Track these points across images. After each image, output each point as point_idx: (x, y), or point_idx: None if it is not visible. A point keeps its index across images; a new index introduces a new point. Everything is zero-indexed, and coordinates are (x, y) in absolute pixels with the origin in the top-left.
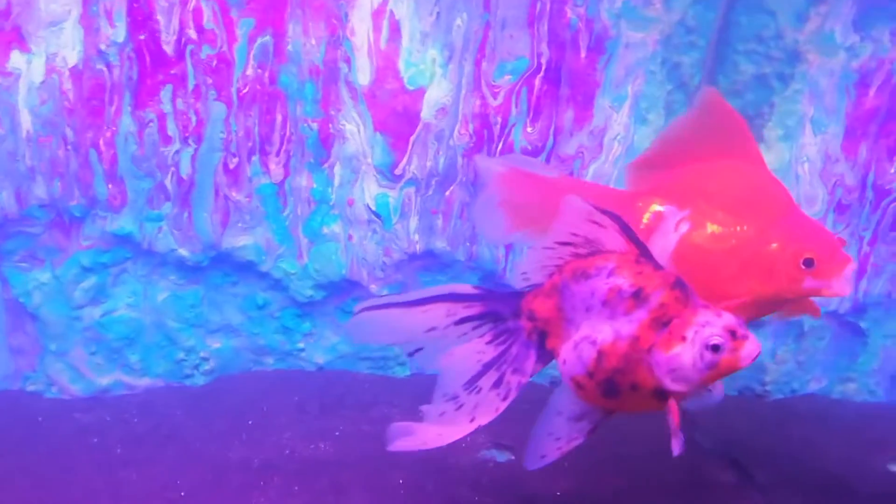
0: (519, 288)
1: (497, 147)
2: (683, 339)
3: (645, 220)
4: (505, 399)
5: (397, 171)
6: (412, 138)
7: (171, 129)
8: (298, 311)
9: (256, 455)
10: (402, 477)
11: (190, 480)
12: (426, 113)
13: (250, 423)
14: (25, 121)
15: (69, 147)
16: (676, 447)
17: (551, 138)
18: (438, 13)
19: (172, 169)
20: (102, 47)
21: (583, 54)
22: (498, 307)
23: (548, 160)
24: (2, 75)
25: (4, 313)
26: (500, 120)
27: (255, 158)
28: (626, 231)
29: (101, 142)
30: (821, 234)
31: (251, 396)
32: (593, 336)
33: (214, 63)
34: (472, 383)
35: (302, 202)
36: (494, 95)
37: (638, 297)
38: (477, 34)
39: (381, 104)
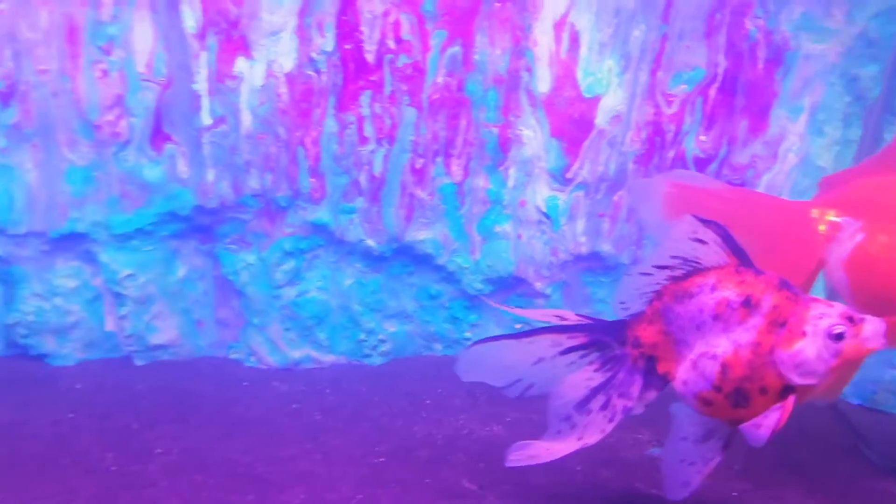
0: (620, 317)
1: (669, 154)
2: (804, 334)
3: (821, 230)
4: (611, 421)
5: (569, 175)
6: (585, 144)
7: (368, 130)
8: (467, 303)
9: (438, 432)
10: (579, 465)
11: (384, 450)
12: (600, 120)
13: (427, 402)
14: (246, 120)
15: (281, 144)
16: (764, 435)
17: (724, 147)
18: (617, 24)
19: (366, 167)
20: (313, 55)
21: (760, 65)
22: (602, 336)
23: (720, 169)
24: (229, 79)
25: (214, 289)
26: (673, 128)
27: (439, 160)
28: (729, 242)
29: (308, 140)
30: None
31: (425, 379)
32: (712, 351)
33: (409, 71)
34: (582, 406)
35: (478, 202)
36: (669, 104)
37: (748, 304)
38: (654, 45)
39: (558, 111)
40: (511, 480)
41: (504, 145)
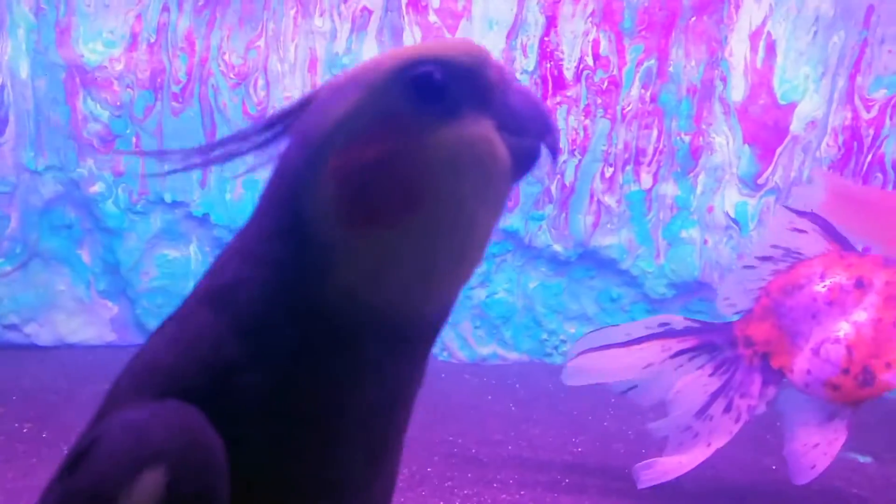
0: (726, 314)
1: (866, 158)
2: None
3: None
4: (738, 422)
5: (760, 181)
6: (779, 150)
7: (563, 142)
8: (648, 307)
9: (629, 428)
10: (774, 464)
11: (581, 442)
12: (796, 126)
13: (612, 401)
14: None
15: None
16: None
17: None
18: (816, 32)
19: (558, 177)
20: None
21: None
22: (712, 338)
23: None
24: None
25: None
26: (871, 132)
27: (628, 168)
28: (828, 230)
29: None
30: None
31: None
32: (833, 336)
33: (605, 85)
34: (702, 412)
35: (665, 208)
36: (868, 109)
37: (861, 284)
38: (853, 50)
39: (752, 118)
40: (707, 474)
41: (695, 153)
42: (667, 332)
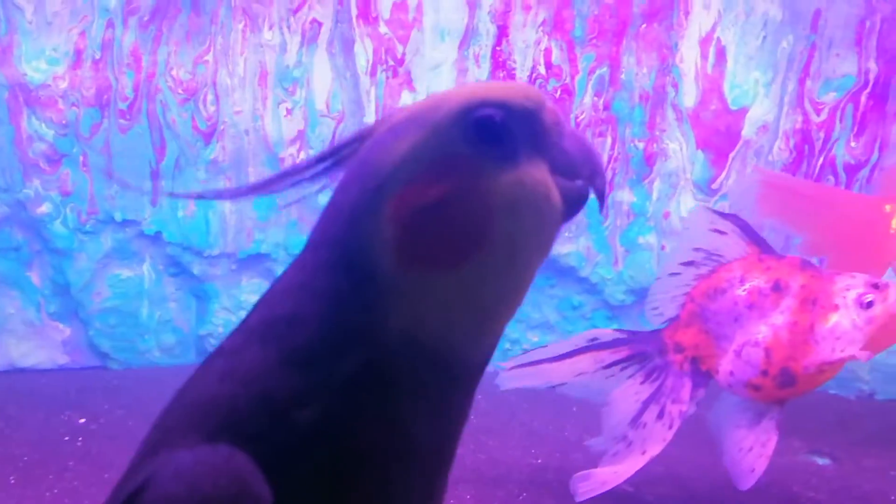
0: (654, 324)
1: (818, 161)
2: (836, 307)
3: (894, 225)
4: (671, 428)
5: (714, 186)
6: (732, 155)
7: None
8: (609, 314)
9: (590, 436)
10: None
11: (540, 453)
12: (747, 131)
13: (574, 410)
14: None
15: None
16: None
17: (876, 152)
18: (765, 37)
19: None
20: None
21: None
22: (642, 347)
23: (871, 174)
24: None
25: None
26: (822, 135)
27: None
28: (748, 231)
29: None
30: None
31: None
32: (753, 338)
33: (558, 94)
34: (636, 421)
35: (622, 214)
36: (818, 112)
37: (778, 288)
38: (802, 54)
39: (704, 124)
40: (666, 482)
41: (649, 159)
42: (598, 345)
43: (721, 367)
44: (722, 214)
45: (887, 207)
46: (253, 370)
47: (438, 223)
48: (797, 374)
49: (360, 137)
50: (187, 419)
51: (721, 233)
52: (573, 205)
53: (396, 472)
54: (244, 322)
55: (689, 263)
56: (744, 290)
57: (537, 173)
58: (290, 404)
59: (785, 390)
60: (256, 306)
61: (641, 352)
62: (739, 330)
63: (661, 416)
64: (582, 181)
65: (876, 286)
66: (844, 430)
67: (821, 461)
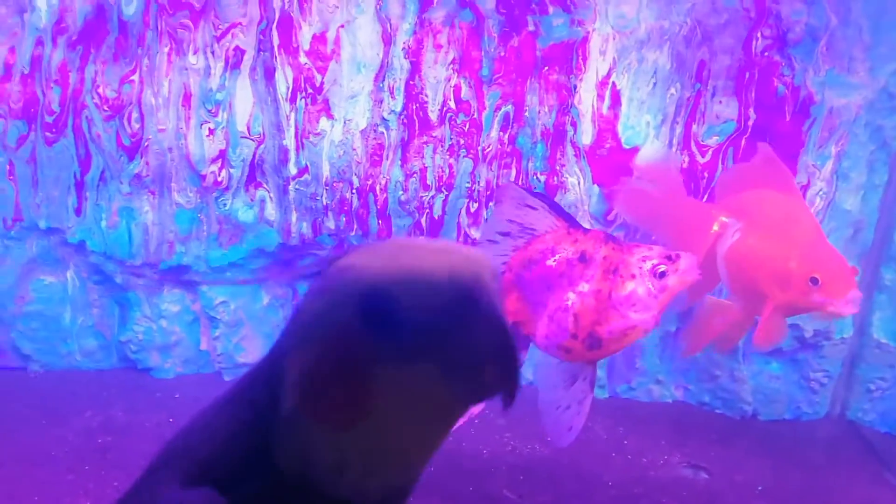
0: None
1: (704, 197)
2: (633, 276)
3: (714, 228)
4: None
5: (610, 217)
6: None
7: (430, 179)
8: None
9: (484, 447)
10: (610, 478)
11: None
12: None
13: (476, 422)
14: (325, 170)
15: (354, 191)
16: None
17: None
18: (655, 83)
19: (427, 210)
20: (385, 114)
21: (788, 117)
22: None
23: None
24: (313, 135)
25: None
26: (707, 175)
27: (491, 204)
28: (555, 207)
29: (377, 187)
30: (834, 260)
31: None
32: (563, 304)
33: (467, 127)
34: None
35: None
36: (703, 154)
37: (584, 259)
38: (689, 101)
39: (599, 160)
40: (548, 489)
41: (550, 191)
42: None
43: (538, 330)
44: (530, 191)
45: (715, 214)
46: (222, 432)
47: (325, 390)
48: (602, 338)
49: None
50: (173, 465)
51: (532, 208)
52: (477, 396)
53: None
54: (232, 385)
55: (506, 234)
56: (554, 261)
57: (427, 377)
58: (238, 470)
59: (593, 352)
60: (244, 374)
61: None
62: (552, 296)
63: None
64: (487, 385)
65: (669, 258)
66: (724, 447)
67: (696, 475)
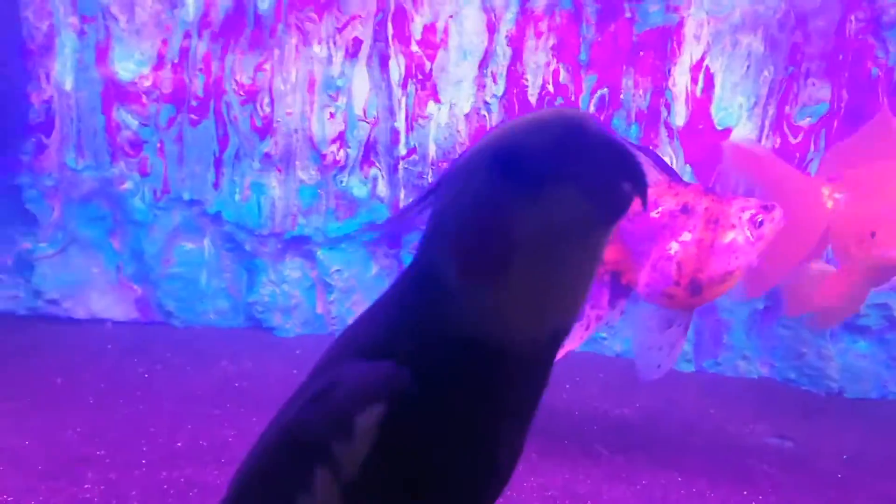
0: None
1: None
2: (733, 226)
3: (828, 205)
4: (588, 329)
5: None
6: (717, 168)
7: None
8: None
9: (575, 408)
10: (699, 442)
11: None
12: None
13: (567, 387)
14: (432, 150)
15: None
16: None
17: None
18: (748, 66)
19: None
20: (487, 98)
21: (882, 99)
22: None
23: None
24: (421, 118)
25: None
26: (798, 155)
27: None
28: (658, 161)
29: None
30: None
31: (564, 370)
32: (667, 254)
33: None
34: None
35: None
36: (795, 135)
37: (686, 210)
38: (782, 83)
39: (693, 141)
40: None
41: None
42: None
43: (640, 279)
44: (637, 147)
45: (824, 189)
46: (393, 326)
47: (487, 247)
48: (703, 283)
49: (439, 183)
50: (354, 346)
51: None
52: (614, 211)
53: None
54: (391, 287)
55: None
56: (657, 213)
57: (567, 201)
58: (412, 353)
59: (694, 297)
60: (398, 281)
61: None
62: (654, 247)
63: (580, 318)
64: (618, 188)
65: (766, 208)
66: (809, 421)
67: (782, 444)
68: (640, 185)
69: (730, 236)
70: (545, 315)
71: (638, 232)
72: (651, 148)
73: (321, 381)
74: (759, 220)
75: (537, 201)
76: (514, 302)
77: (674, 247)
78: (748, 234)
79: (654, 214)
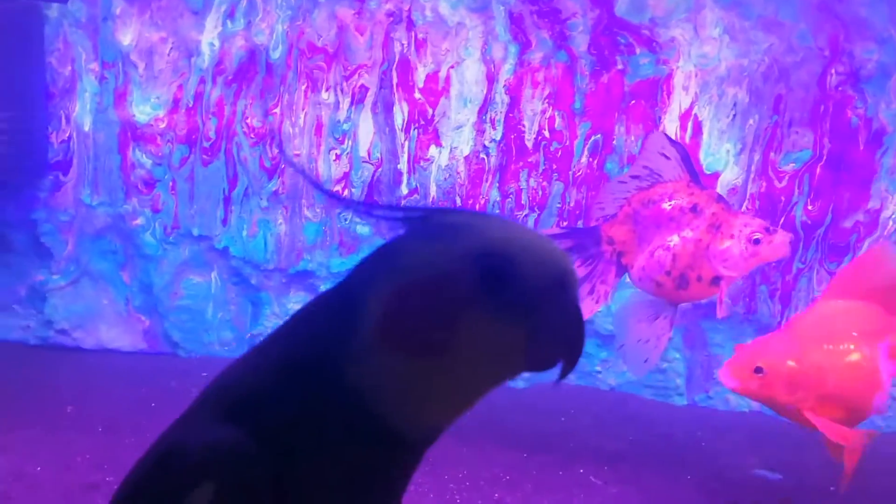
0: (596, 216)
1: (779, 221)
2: (732, 236)
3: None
4: (598, 302)
5: None
6: None
7: (524, 199)
8: (599, 341)
9: (572, 438)
10: (689, 474)
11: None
12: (719, 191)
13: (562, 420)
14: (433, 190)
15: None
16: (722, 312)
17: (830, 215)
18: (734, 115)
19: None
20: (486, 143)
21: (861, 146)
22: (582, 240)
23: (826, 234)
24: (423, 160)
25: None
26: (783, 199)
27: (579, 222)
28: (686, 160)
29: (477, 206)
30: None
31: (559, 403)
32: (667, 244)
33: (559, 154)
34: None
35: None
36: (780, 179)
37: (695, 210)
38: (766, 131)
39: None
40: (632, 480)
41: None
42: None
43: (637, 262)
44: (671, 141)
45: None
46: (258, 375)
47: (413, 330)
48: (690, 280)
49: (425, 215)
50: (212, 403)
51: (666, 157)
52: (535, 365)
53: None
54: (273, 332)
55: (636, 177)
56: (669, 205)
57: (506, 335)
58: (273, 407)
59: (680, 291)
60: (289, 321)
61: (581, 243)
62: (657, 235)
63: (591, 292)
64: (553, 354)
65: (767, 230)
66: (798, 453)
67: (770, 476)
68: (569, 363)
69: (726, 244)
70: (438, 407)
71: (649, 218)
72: (682, 144)
73: (176, 434)
74: (757, 237)
75: (488, 312)
76: (421, 382)
77: (674, 239)
78: (743, 247)
79: (665, 206)
